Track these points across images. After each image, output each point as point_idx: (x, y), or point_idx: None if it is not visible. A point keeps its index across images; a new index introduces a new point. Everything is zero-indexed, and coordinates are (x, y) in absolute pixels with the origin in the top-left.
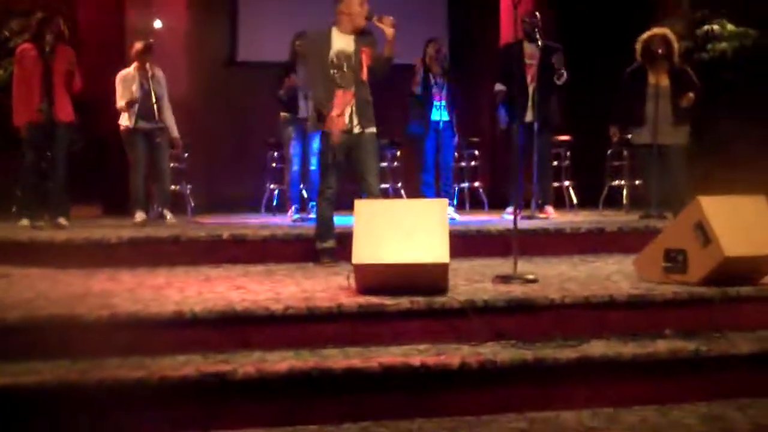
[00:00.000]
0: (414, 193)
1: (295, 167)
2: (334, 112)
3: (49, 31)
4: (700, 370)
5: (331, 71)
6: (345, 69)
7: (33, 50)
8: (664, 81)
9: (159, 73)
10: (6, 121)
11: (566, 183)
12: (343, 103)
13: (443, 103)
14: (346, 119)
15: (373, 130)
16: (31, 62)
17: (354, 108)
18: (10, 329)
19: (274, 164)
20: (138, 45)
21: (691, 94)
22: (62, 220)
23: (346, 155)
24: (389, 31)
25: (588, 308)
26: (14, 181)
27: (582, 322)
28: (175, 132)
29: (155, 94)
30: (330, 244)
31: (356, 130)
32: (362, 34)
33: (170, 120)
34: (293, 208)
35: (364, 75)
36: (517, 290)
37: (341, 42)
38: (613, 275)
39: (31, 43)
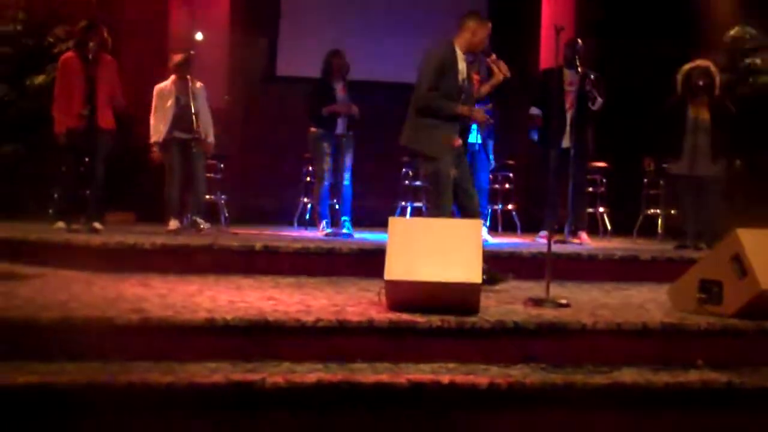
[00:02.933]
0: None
1: (326, 182)
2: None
3: (93, 39)
4: (733, 403)
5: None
6: (467, 89)
7: (75, 58)
8: (704, 114)
9: (198, 85)
10: (47, 126)
11: (601, 209)
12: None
13: (475, 125)
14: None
15: None
16: (73, 71)
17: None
18: (43, 329)
19: (308, 178)
20: (176, 57)
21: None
22: (98, 225)
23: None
24: (499, 76)
25: (620, 335)
26: (53, 184)
27: (613, 348)
28: (210, 138)
29: (192, 107)
30: None
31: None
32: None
33: (209, 128)
34: (324, 222)
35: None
36: (548, 314)
37: (462, 62)
38: (646, 303)
39: (74, 51)
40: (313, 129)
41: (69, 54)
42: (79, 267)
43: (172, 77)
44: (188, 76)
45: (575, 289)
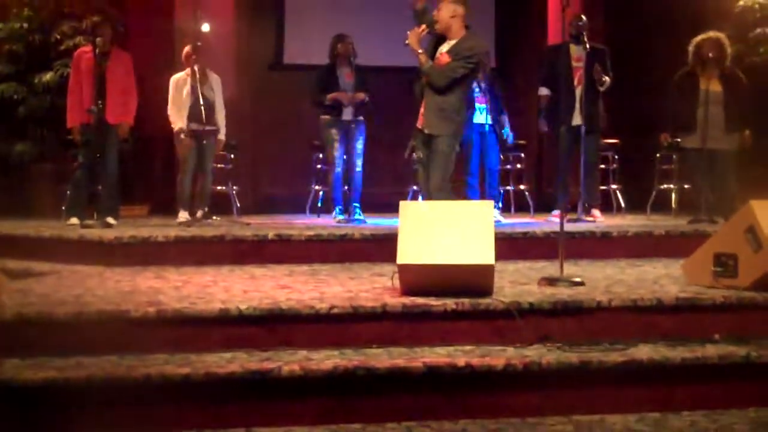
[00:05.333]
0: (459, 195)
1: (338, 169)
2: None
3: (101, 34)
4: (750, 376)
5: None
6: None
7: (90, 53)
8: (715, 86)
9: (213, 76)
10: (58, 122)
11: (614, 186)
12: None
13: (486, 106)
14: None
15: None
16: (86, 64)
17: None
18: (59, 324)
19: (318, 165)
20: (186, 49)
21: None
22: (111, 219)
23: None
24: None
25: (635, 312)
26: (65, 180)
27: (629, 325)
28: (222, 135)
29: (206, 97)
30: None
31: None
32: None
33: (221, 122)
34: (337, 209)
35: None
36: (563, 293)
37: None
38: (660, 279)
39: (87, 45)
40: (322, 116)
41: (83, 48)
42: (93, 262)
43: (187, 69)
44: (200, 67)
45: (589, 267)
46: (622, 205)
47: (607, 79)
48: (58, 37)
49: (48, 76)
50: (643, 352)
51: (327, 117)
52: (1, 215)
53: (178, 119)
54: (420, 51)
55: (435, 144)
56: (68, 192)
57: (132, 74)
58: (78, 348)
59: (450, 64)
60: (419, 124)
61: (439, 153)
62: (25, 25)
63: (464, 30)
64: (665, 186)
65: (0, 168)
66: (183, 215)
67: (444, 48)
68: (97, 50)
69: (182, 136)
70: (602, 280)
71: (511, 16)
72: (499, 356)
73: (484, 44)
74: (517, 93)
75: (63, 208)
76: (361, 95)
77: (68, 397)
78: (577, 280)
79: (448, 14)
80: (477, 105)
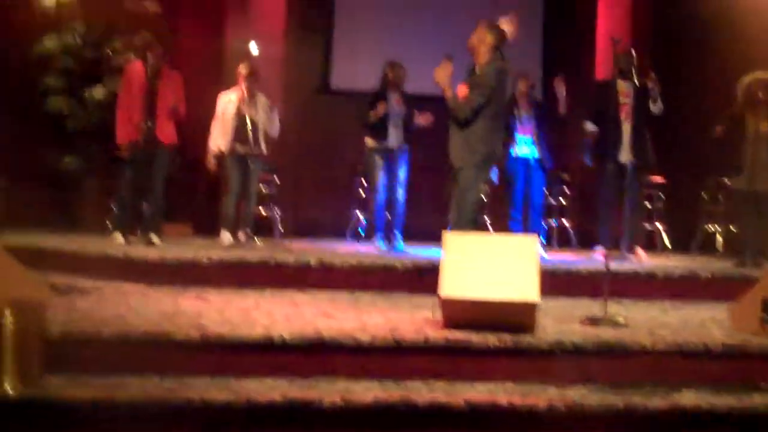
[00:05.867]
0: (501, 228)
1: (381, 196)
2: None
3: (152, 52)
4: None
5: None
6: None
7: (140, 69)
8: (765, 126)
9: (262, 98)
10: (107, 137)
11: (658, 225)
12: None
13: (530, 138)
14: None
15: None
16: (136, 81)
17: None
18: (103, 343)
19: (361, 191)
20: (242, 69)
21: None
22: (155, 238)
23: None
24: None
25: (680, 356)
26: (111, 195)
27: (673, 369)
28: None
29: (253, 120)
30: None
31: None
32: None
33: (270, 136)
34: (378, 236)
35: None
36: (607, 333)
37: None
38: (706, 323)
39: (140, 62)
40: (367, 142)
41: (134, 64)
42: (136, 280)
43: (237, 88)
44: (249, 88)
45: (633, 307)
46: (667, 244)
47: (659, 101)
48: (110, 52)
49: (98, 91)
50: (688, 397)
51: (372, 143)
52: (48, 228)
53: (218, 138)
54: (447, 86)
55: (459, 176)
56: (114, 208)
57: (182, 94)
58: (121, 367)
59: (468, 96)
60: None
61: (462, 185)
62: (78, 39)
63: (488, 56)
64: (711, 227)
65: (48, 181)
66: (226, 237)
67: (468, 77)
68: (148, 68)
69: (212, 159)
70: (646, 321)
71: (559, 46)
72: (541, 396)
73: (502, 69)
74: (563, 124)
75: (108, 223)
76: (430, 117)
77: (110, 416)
78: (621, 321)
79: (476, 38)
80: (520, 136)
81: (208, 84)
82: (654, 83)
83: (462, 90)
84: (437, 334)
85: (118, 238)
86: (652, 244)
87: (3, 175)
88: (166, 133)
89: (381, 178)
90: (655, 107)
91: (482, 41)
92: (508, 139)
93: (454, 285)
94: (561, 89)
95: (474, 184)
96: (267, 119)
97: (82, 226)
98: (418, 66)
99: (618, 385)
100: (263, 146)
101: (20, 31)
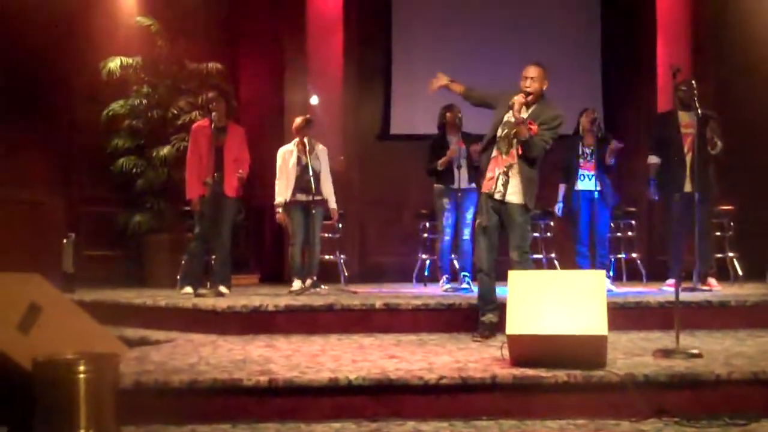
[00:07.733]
0: (569, 264)
1: (447, 237)
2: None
3: (216, 108)
4: None
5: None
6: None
7: (206, 126)
8: None
9: (319, 147)
10: (174, 194)
11: (730, 254)
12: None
13: (593, 173)
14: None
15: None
16: (205, 138)
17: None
18: (174, 393)
19: (425, 234)
20: (298, 120)
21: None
22: (223, 289)
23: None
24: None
25: (757, 385)
26: (180, 250)
27: (750, 400)
28: (333, 203)
29: (313, 168)
30: (488, 318)
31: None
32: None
33: (329, 191)
34: (444, 278)
35: (520, 148)
36: (679, 365)
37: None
38: None
39: (206, 120)
40: (435, 184)
41: (200, 123)
42: (206, 330)
43: (295, 140)
44: (309, 138)
45: (706, 338)
46: (740, 273)
47: (718, 143)
48: (175, 112)
49: (165, 150)
50: (766, 428)
51: (440, 186)
52: (120, 284)
53: (282, 191)
54: (524, 120)
55: (516, 213)
56: (183, 261)
57: (246, 148)
58: (193, 416)
59: (543, 135)
60: (487, 189)
61: (521, 222)
62: (144, 101)
63: (545, 98)
64: None
65: (119, 238)
66: (297, 284)
67: (523, 114)
68: (213, 125)
69: (279, 210)
70: (720, 351)
71: (619, 76)
72: (615, 431)
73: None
74: (625, 155)
75: (178, 277)
76: (620, 144)
77: None
78: (694, 351)
79: (542, 84)
80: (583, 172)
81: (269, 135)
82: (712, 131)
83: (533, 127)
84: (505, 371)
85: (189, 290)
86: (724, 273)
87: (77, 234)
88: (232, 186)
89: (448, 219)
90: (714, 150)
91: (545, 84)
92: (572, 174)
93: (521, 322)
94: (613, 147)
95: (529, 221)
96: (326, 167)
97: (153, 280)
98: (473, 108)
99: (693, 417)
100: (332, 196)
101: (87, 96)
